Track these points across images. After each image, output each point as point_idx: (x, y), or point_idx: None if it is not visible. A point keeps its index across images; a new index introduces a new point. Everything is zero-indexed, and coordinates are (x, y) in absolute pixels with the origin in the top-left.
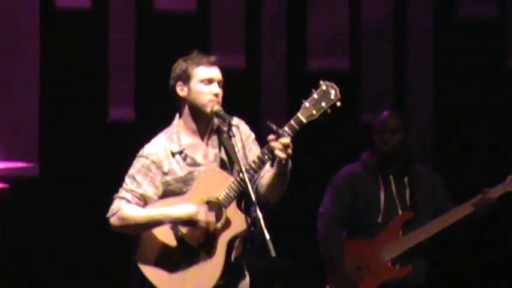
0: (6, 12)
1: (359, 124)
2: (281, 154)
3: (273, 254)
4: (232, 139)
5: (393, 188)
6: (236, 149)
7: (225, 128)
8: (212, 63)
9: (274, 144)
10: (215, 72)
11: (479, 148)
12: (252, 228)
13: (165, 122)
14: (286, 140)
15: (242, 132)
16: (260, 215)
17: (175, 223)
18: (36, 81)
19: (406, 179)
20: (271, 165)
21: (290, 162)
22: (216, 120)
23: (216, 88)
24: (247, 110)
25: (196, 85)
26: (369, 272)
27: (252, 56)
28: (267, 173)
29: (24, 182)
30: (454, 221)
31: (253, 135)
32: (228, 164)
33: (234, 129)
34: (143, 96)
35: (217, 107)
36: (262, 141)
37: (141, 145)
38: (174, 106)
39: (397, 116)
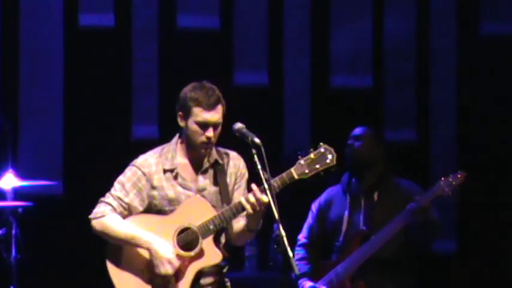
0: (30, 31)
1: None
2: (250, 209)
3: (297, 271)
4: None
5: (362, 206)
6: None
7: (224, 161)
8: (211, 107)
9: (252, 199)
10: (212, 116)
11: (505, 166)
12: (275, 247)
13: None
14: (265, 198)
15: (238, 168)
16: (283, 233)
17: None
18: (60, 100)
19: (375, 195)
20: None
21: (261, 222)
22: (214, 153)
23: (209, 132)
24: (270, 127)
25: (192, 124)
26: None
27: (275, 74)
28: (242, 220)
29: (49, 200)
30: (394, 233)
31: (246, 176)
32: (219, 197)
33: (231, 163)
34: (167, 114)
35: (239, 125)
36: (281, 161)
37: None
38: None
39: (367, 129)
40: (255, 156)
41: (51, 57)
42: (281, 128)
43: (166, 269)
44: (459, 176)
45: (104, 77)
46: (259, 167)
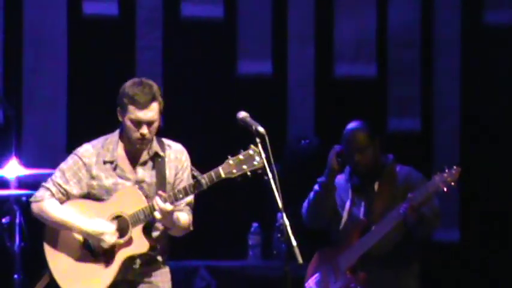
0: (34, 19)
1: (386, 130)
2: (157, 215)
3: (300, 260)
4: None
5: (363, 197)
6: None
7: (165, 153)
8: (144, 106)
9: (158, 204)
10: (144, 115)
11: (506, 154)
12: (279, 235)
13: (192, 129)
14: (168, 207)
15: (180, 160)
16: (287, 222)
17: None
18: (64, 89)
19: (376, 185)
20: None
21: (175, 223)
22: (154, 145)
23: (143, 130)
24: (274, 116)
25: (127, 121)
26: (330, 278)
27: (279, 63)
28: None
29: None
30: (390, 228)
31: (189, 169)
32: (155, 188)
33: (172, 155)
34: (170, 103)
35: (243, 114)
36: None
37: None
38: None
39: (361, 133)
40: (259, 145)
41: (55, 46)
42: (285, 117)
43: (106, 240)
44: (454, 171)
45: (108, 66)
46: (263, 156)
